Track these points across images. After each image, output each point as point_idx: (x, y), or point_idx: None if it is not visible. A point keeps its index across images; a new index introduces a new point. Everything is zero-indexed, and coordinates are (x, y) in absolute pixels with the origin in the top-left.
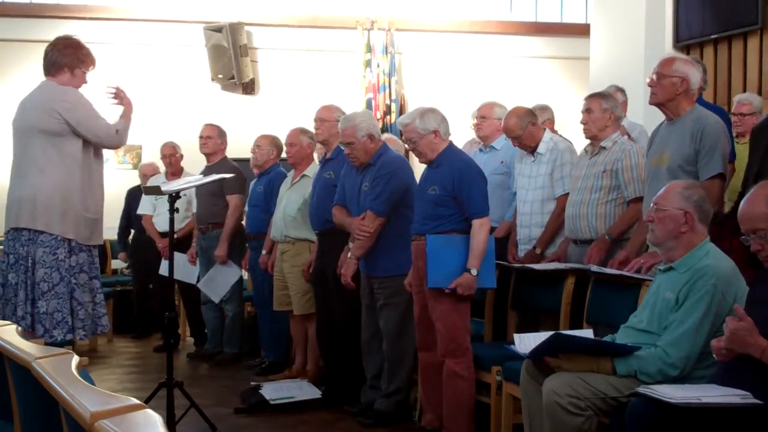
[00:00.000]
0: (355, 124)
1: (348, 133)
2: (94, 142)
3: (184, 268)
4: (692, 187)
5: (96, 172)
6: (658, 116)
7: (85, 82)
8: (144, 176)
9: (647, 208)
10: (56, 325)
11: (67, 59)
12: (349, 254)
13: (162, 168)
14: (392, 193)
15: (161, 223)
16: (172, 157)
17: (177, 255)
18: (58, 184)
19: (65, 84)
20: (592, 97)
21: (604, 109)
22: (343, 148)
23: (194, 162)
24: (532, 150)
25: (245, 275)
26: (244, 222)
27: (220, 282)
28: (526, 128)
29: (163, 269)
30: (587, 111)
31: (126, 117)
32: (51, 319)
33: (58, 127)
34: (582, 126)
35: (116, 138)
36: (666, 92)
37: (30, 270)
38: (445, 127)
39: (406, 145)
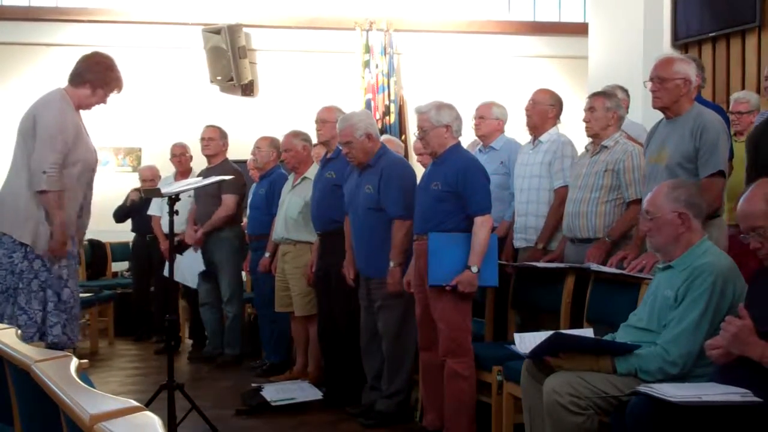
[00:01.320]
0: (353, 123)
1: (346, 133)
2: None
3: (188, 269)
4: (678, 187)
5: (72, 186)
6: (657, 115)
7: (104, 103)
8: (144, 181)
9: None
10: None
11: (92, 76)
12: (391, 264)
13: (161, 171)
14: (406, 194)
15: (166, 225)
16: (182, 156)
17: (185, 256)
18: (23, 189)
19: (81, 97)
20: (595, 96)
21: (607, 108)
22: (341, 147)
23: (194, 164)
24: (533, 131)
25: (245, 277)
26: (244, 224)
27: (187, 265)
28: (545, 106)
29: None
30: (590, 109)
31: (55, 219)
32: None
33: (31, 132)
34: (584, 124)
35: (39, 177)
36: (671, 95)
37: None
38: (458, 125)
39: (415, 134)
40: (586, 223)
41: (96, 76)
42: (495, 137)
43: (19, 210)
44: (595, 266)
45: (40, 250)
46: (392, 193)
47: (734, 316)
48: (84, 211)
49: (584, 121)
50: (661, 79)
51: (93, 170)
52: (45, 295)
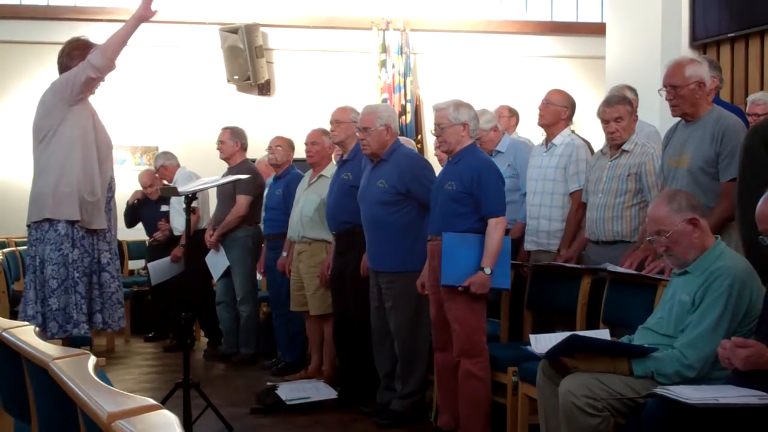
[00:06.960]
0: (376, 111)
1: (367, 119)
2: (90, 76)
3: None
4: (675, 198)
5: (95, 153)
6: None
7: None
8: (144, 187)
9: None
10: (69, 320)
11: (76, 62)
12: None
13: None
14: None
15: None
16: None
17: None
18: (58, 171)
19: None
20: (618, 104)
21: (629, 113)
22: (358, 134)
23: (211, 162)
24: (545, 131)
25: (259, 276)
26: (261, 224)
27: (210, 266)
28: (558, 107)
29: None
30: (618, 119)
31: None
32: (64, 315)
33: (47, 122)
34: (610, 134)
35: (96, 58)
36: (687, 101)
37: (38, 269)
38: (475, 125)
39: (432, 131)
40: (611, 228)
41: (79, 61)
42: (495, 143)
43: (60, 192)
44: (611, 267)
45: (88, 224)
46: (423, 182)
47: (751, 318)
48: (112, 201)
49: (611, 131)
50: (674, 86)
51: (110, 147)
52: (89, 281)
